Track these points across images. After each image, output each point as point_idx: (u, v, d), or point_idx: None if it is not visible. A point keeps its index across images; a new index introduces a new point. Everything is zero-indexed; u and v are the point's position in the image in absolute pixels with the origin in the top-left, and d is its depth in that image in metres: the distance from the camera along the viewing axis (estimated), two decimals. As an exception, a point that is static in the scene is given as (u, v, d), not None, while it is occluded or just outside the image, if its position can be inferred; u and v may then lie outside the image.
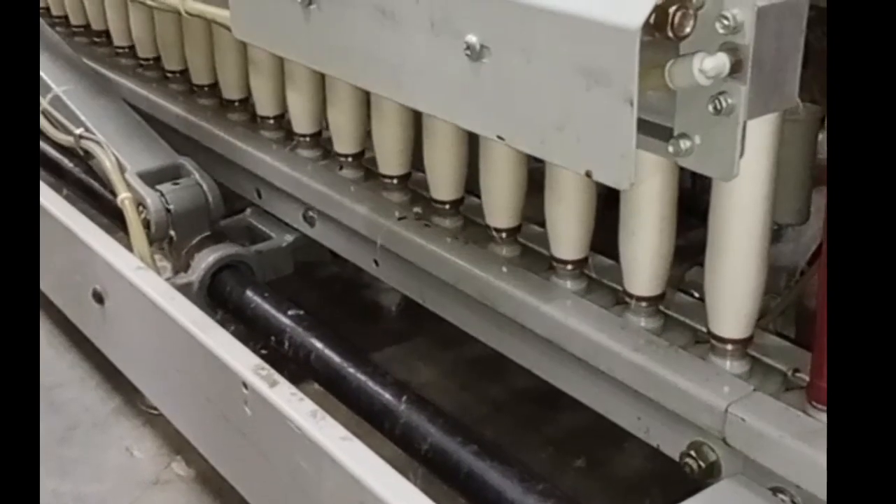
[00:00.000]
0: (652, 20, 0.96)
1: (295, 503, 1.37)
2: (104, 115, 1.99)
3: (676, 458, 1.30)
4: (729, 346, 1.28)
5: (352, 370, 1.54)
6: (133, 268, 1.67)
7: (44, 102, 2.01)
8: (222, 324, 1.55)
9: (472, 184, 1.60)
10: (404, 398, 1.46)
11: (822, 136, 1.43)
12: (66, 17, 2.56)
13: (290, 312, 1.68)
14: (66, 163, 2.11)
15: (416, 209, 1.68)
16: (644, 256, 1.33)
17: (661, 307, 1.38)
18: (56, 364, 2.01)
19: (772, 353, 1.29)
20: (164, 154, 1.92)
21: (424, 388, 1.80)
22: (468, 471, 1.35)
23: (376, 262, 1.74)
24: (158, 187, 1.83)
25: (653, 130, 1.05)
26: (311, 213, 1.87)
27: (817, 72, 1.14)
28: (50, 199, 1.87)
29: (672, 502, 1.21)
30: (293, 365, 1.60)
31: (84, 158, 1.97)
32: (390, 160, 1.71)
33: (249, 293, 1.75)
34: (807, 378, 1.22)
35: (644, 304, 1.37)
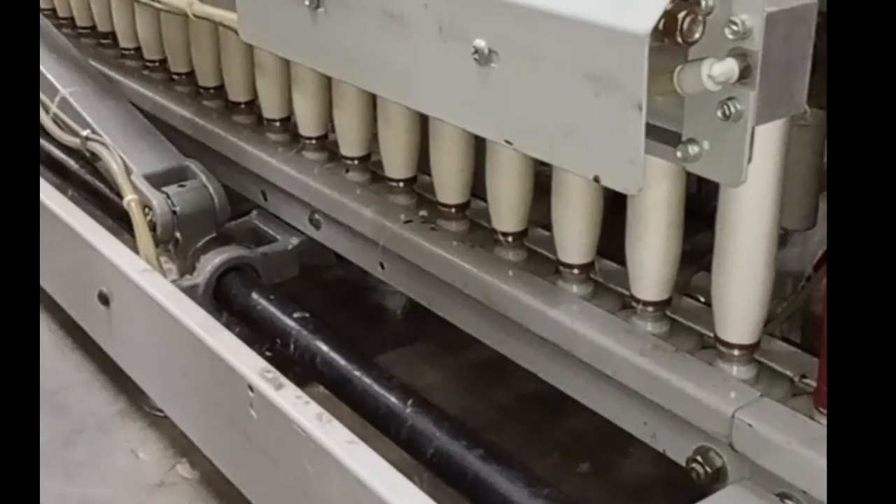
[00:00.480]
0: (661, 26, 0.96)
1: (300, 506, 1.37)
2: (110, 117, 1.99)
3: (683, 463, 1.30)
4: (736, 352, 1.28)
5: (357, 373, 1.54)
6: (139, 270, 1.66)
7: (50, 104, 2.01)
8: (228, 326, 1.55)
9: (478, 187, 1.60)
10: (410, 402, 1.46)
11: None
12: (72, 18, 2.56)
13: (295, 315, 1.68)
14: (72, 164, 2.12)
15: (422, 212, 1.68)
16: (651, 261, 1.33)
17: (668, 312, 1.38)
18: (61, 366, 2.01)
19: (779, 359, 1.29)
20: (170, 156, 1.92)
21: (430, 391, 1.80)
22: (474, 475, 1.35)
23: (382, 265, 1.74)
24: (164, 189, 1.83)
25: (661, 136, 1.05)
26: (316, 216, 1.87)
27: (824, 77, 1.14)
28: (55, 201, 1.87)
29: (678, 508, 1.21)
30: (298, 368, 1.60)
31: (90, 160, 1.97)
32: (396, 163, 1.71)
33: (255, 296, 1.75)
34: (814, 384, 1.22)
35: (650, 308, 1.36)
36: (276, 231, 1.98)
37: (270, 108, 1.97)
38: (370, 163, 1.82)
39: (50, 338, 2.07)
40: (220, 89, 2.13)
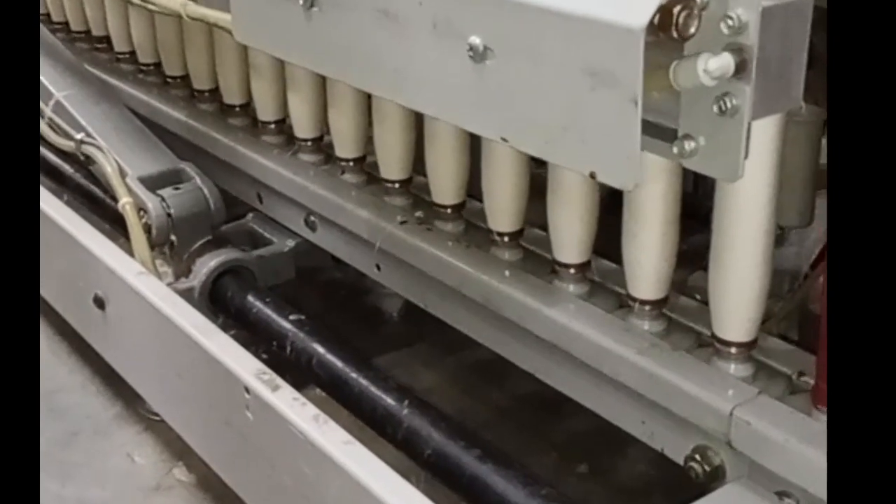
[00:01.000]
0: (656, 21, 0.96)
1: (297, 508, 1.36)
2: (105, 120, 1.99)
3: (681, 462, 1.30)
4: (733, 350, 1.27)
5: (354, 375, 1.54)
6: (134, 273, 1.66)
7: (45, 108, 2.01)
8: (224, 329, 1.54)
9: (473, 188, 1.60)
10: (406, 403, 1.46)
11: (826, 140, 1.43)
12: (66, 23, 2.56)
13: (291, 317, 1.67)
14: (67, 168, 2.11)
15: (418, 213, 1.67)
16: (647, 259, 1.32)
17: (665, 310, 1.38)
18: (57, 369, 2.01)
19: (776, 357, 1.29)
20: (165, 159, 1.92)
21: (427, 392, 1.80)
22: (471, 475, 1.34)
23: (378, 267, 1.73)
24: (160, 192, 1.82)
25: (657, 131, 1.05)
26: (312, 218, 1.86)
27: (821, 74, 1.14)
28: (51, 205, 1.86)
29: (677, 507, 1.21)
30: (295, 370, 1.60)
31: (85, 163, 1.97)
32: (392, 165, 1.71)
33: (251, 298, 1.75)
34: (812, 381, 1.22)
35: (648, 307, 1.36)
36: (272, 233, 1.97)
37: (265, 110, 1.97)
38: (366, 164, 1.82)
39: (46, 342, 2.06)
40: (215, 92, 2.12)
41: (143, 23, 2.24)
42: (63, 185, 2.12)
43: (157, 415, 1.77)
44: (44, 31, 2.30)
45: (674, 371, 1.28)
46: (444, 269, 1.57)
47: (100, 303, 1.73)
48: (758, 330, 1.27)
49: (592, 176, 1.04)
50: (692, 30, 0.97)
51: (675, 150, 1.04)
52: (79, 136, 1.93)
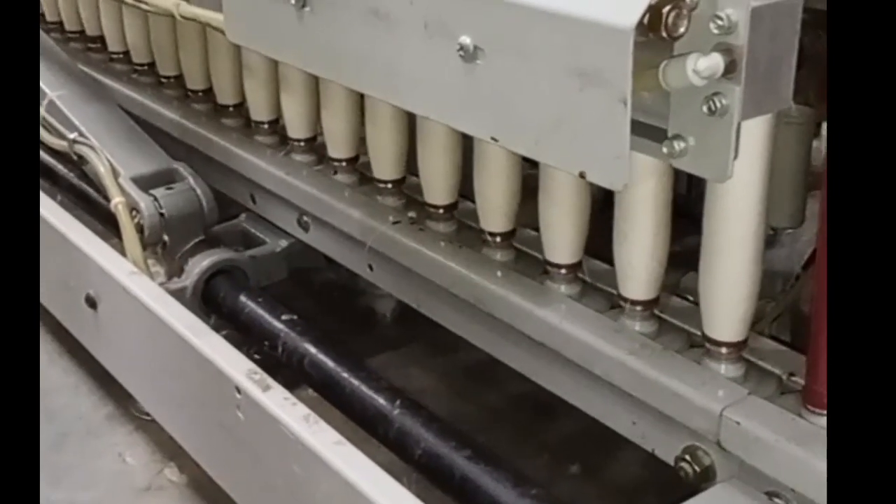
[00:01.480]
0: (646, 20, 0.95)
1: (288, 508, 1.36)
2: (98, 120, 1.99)
3: (671, 462, 1.30)
4: (724, 350, 1.27)
5: (345, 375, 1.54)
6: (126, 273, 1.66)
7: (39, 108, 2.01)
8: (216, 329, 1.54)
9: (466, 188, 1.60)
10: (398, 403, 1.46)
11: (817, 142, 1.43)
12: (60, 22, 2.56)
13: (283, 317, 1.67)
14: (60, 168, 2.11)
15: (411, 213, 1.67)
16: (638, 260, 1.32)
17: (656, 311, 1.37)
18: (48, 370, 2.00)
19: (767, 357, 1.29)
20: (158, 159, 1.92)
21: (419, 393, 1.79)
22: (462, 476, 1.34)
23: (371, 267, 1.73)
24: (152, 192, 1.82)
25: (647, 132, 1.05)
26: (305, 218, 1.86)
27: (811, 74, 1.14)
28: (44, 205, 1.86)
29: (667, 507, 1.21)
30: (287, 370, 1.59)
31: (78, 163, 1.96)
32: (385, 165, 1.71)
33: (243, 298, 1.75)
34: (802, 382, 1.22)
35: (639, 307, 1.36)
36: (265, 233, 1.97)
37: (259, 110, 1.97)
38: (358, 164, 1.82)
39: (38, 342, 2.06)
40: (209, 92, 2.12)
41: (136, 22, 2.24)
42: (56, 184, 2.12)
43: (148, 415, 1.77)
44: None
45: (664, 372, 1.28)
46: (436, 270, 1.57)
47: (92, 302, 1.73)
48: (748, 330, 1.27)
49: (582, 176, 1.04)
50: (682, 30, 0.97)
51: (664, 150, 1.04)
52: (72, 135, 1.93)
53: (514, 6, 1.05)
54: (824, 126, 1.32)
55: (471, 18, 1.10)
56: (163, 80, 2.25)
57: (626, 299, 1.36)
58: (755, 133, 1.12)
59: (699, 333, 1.31)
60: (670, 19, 0.96)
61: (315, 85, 1.80)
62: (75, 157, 1.94)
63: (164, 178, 1.87)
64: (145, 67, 2.30)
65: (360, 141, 1.78)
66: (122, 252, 1.76)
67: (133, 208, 1.81)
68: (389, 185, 1.72)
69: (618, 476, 1.70)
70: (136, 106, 2.22)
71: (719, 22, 0.97)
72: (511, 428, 1.82)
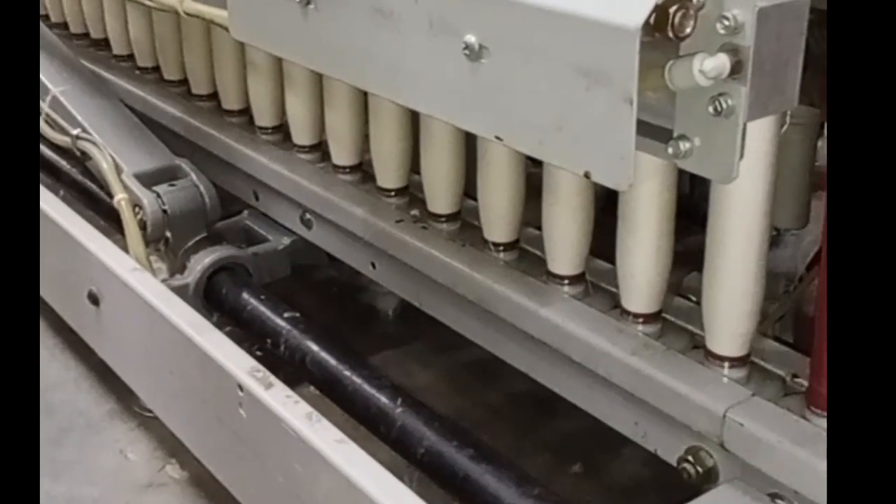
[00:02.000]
0: (652, 20, 0.95)
1: (289, 506, 1.36)
2: (101, 116, 1.98)
3: (674, 463, 1.30)
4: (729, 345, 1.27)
5: (347, 373, 1.54)
6: (129, 269, 1.65)
7: (42, 103, 2.00)
8: (218, 326, 1.54)
9: (470, 188, 1.60)
10: (400, 401, 1.46)
11: (822, 142, 1.42)
12: (65, 24, 2.56)
13: (286, 315, 1.67)
14: (63, 164, 2.10)
15: (414, 212, 1.67)
16: (641, 271, 1.32)
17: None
18: (50, 365, 2.00)
19: (770, 358, 1.29)
20: (161, 155, 1.91)
21: (421, 391, 1.79)
22: (464, 475, 1.34)
23: (373, 265, 1.73)
24: (155, 188, 1.82)
25: (652, 132, 1.05)
26: (308, 216, 1.86)
27: (816, 75, 1.14)
28: (46, 201, 1.86)
29: (669, 508, 1.21)
30: (289, 367, 1.59)
31: (81, 159, 1.96)
32: (388, 173, 1.70)
33: (245, 295, 1.74)
34: (805, 383, 1.22)
35: (641, 319, 1.36)
36: (268, 231, 1.97)
37: (263, 115, 1.96)
38: (362, 162, 1.81)
39: (40, 337, 2.06)
40: (214, 97, 2.12)
41: (141, 23, 2.24)
42: (59, 180, 2.11)
43: (150, 411, 1.76)
44: (41, 27, 2.30)
45: (667, 372, 1.28)
46: (438, 268, 1.57)
47: (94, 299, 1.73)
48: (756, 322, 1.27)
49: (587, 176, 1.03)
50: (688, 30, 0.97)
51: (669, 150, 1.04)
52: (75, 131, 1.93)
53: (519, 5, 1.04)
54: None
55: (476, 17, 1.10)
56: (167, 82, 2.24)
57: (628, 312, 1.36)
58: (760, 133, 1.12)
59: (702, 334, 1.30)
60: (677, 19, 0.95)
61: (319, 90, 1.79)
62: (78, 154, 1.94)
63: (167, 175, 1.87)
64: (150, 70, 2.30)
65: (365, 146, 1.77)
66: (125, 248, 1.76)
67: (136, 205, 1.80)
68: (393, 194, 1.71)
69: (620, 475, 1.70)
70: (139, 102, 2.22)
71: (726, 22, 0.96)
72: (512, 426, 1.81)
